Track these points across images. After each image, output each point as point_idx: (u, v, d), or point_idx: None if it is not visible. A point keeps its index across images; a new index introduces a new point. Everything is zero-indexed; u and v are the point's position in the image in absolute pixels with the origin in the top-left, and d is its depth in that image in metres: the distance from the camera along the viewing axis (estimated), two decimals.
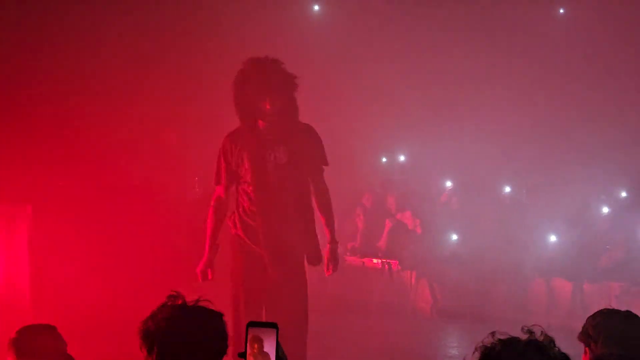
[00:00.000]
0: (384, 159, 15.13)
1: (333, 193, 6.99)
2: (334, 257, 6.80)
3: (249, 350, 2.84)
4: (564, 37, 13.89)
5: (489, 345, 2.66)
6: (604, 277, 11.27)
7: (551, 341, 2.66)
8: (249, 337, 2.84)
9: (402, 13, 13.88)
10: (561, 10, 14.67)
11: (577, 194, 12.29)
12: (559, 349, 2.66)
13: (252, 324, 2.86)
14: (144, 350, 3.12)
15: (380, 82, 13.55)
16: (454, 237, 12.31)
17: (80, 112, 10.87)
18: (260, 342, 2.84)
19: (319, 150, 6.84)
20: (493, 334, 2.69)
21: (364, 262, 12.86)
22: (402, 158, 15.00)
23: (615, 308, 3.91)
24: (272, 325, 2.86)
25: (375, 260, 12.79)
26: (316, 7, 14.57)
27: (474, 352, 2.70)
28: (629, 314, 3.82)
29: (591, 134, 13.09)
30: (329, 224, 6.86)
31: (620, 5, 13.32)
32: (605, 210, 12.46)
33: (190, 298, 3.26)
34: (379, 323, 11.38)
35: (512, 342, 2.64)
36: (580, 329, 3.88)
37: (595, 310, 3.93)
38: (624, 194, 12.95)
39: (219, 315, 3.28)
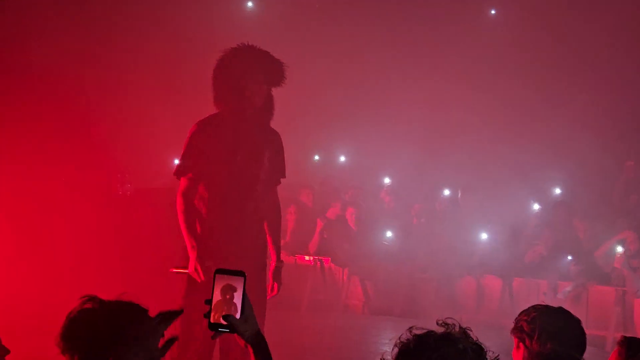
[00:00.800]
0: (317, 157, 15.16)
1: None
2: (279, 278, 6.27)
3: (219, 298, 2.80)
4: (496, 38, 14.07)
5: (405, 341, 2.68)
6: (531, 273, 11.46)
7: (464, 333, 2.67)
8: (221, 285, 2.80)
9: (335, 11, 13.93)
10: (492, 12, 14.86)
11: (510, 192, 12.48)
12: (473, 340, 2.67)
13: (220, 271, 2.82)
14: (66, 355, 3.00)
15: (314, 81, 13.57)
16: (388, 234, 12.37)
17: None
18: (232, 290, 2.81)
19: (282, 160, 6.29)
20: (410, 329, 2.70)
21: (295, 259, 12.84)
22: (341, 158, 15.06)
23: (545, 304, 3.97)
24: (240, 274, 2.82)
25: (307, 258, 12.79)
26: (250, 4, 14.54)
27: (393, 349, 2.71)
28: (561, 310, 3.89)
29: (524, 133, 13.29)
30: (276, 241, 6.25)
31: (549, 5, 13.56)
32: (536, 207, 12.69)
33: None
34: (311, 320, 11.39)
35: (425, 336, 2.65)
36: (509, 325, 3.94)
37: (524, 306, 3.98)
38: (557, 191, 13.20)
39: (143, 311, 3.12)
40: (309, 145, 14.57)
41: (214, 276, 2.82)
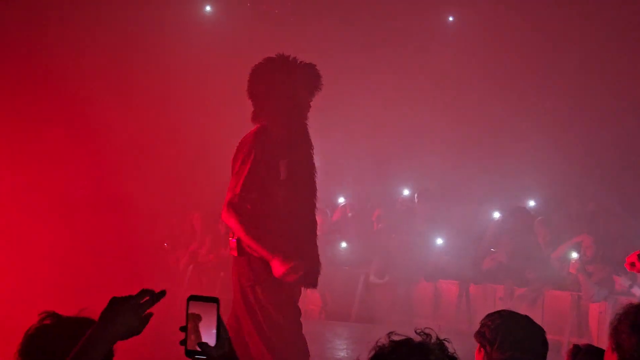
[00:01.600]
0: None
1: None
2: None
3: (195, 324, 2.76)
4: (455, 45, 14.16)
5: (381, 345, 2.66)
6: (488, 279, 11.53)
7: (441, 345, 2.67)
8: (195, 311, 2.76)
9: (296, 15, 13.95)
10: (450, 18, 14.95)
11: (469, 199, 12.55)
12: (449, 353, 2.68)
13: (193, 298, 2.78)
14: None
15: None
16: (343, 244, 12.38)
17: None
18: (208, 316, 2.77)
19: None
20: (389, 334, 2.68)
21: None
22: None
23: (511, 310, 3.99)
24: (214, 300, 2.78)
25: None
26: (208, 8, 14.50)
27: (370, 352, 2.69)
28: (526, 319, 3.90)
29: (485, 140, 13.37)
30: None
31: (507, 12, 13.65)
32: (496, 215, 12.75)
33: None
34: None
35: (401, 344, 2.64)
36: (466, 330, 3.94)
37: (480, 312, 3.99)
38: (532, 203, 13.27)
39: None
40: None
41: (187, 303, 2.78)
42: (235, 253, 5.98)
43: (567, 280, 11.01)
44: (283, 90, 6.06)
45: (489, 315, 3.89)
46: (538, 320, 4.02)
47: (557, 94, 13.66)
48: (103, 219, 10.89)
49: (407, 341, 2.65)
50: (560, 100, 13.58)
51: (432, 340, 2.67)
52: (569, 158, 12.91)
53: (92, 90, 11.42)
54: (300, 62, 6.21)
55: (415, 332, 2.69)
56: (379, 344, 2.67)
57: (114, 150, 11.54)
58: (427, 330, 2.69)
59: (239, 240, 5.91)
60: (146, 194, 11.92)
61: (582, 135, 13.24)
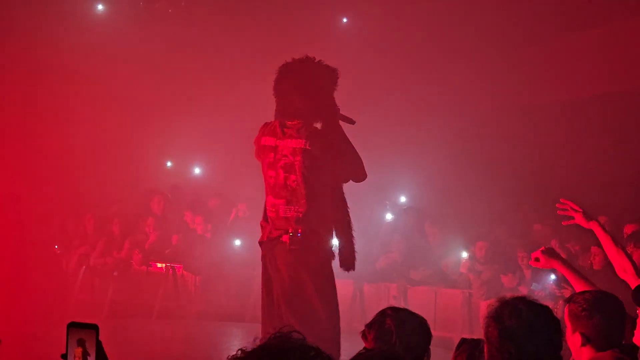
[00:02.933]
0: (169, 164, 14.99)
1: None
2: None
3: (74, 352, 2.72)
4: (349, 46, 14.23)
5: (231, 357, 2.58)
6: (382, 278, 11.68)
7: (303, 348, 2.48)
8: (75, 338, 2.72)
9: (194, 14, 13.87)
10: (344, 20, 15.04)
11: (362, 199, 12.66)
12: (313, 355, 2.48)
13: (72, 325, 2.73)
14: None
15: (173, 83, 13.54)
16: (237, 242, 12.37)
17: None
18: (87, 344, 2.73)
19: None
20: (255, 340, 2.58)
21: (148, 267, 12.69)
22: (196, 169, 14.92)
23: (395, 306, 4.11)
24: (93, 327, 2.74)
25: (159, 265, 12.65)
26: (100, 7, 14.27)
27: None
28: (408, 312, 4.05)
29: (375, 139, 13.47)
30: None
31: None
32: (389, 216, 12.90)
33: None
34: (161, 327, 11.28)
35: (253, 353, 2.56)
36: (360, 329, 4.03)
37: (375, 310, 4.09)
38: (402, 199, 13.47)
39: None
40: (162, 150, 14.44)
41: (67, 330, 2.75)
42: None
43: (458, 280, 11.26)
44: (331, 91, 6.94)
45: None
46: (430, 318, 4.13)
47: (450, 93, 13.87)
48: None
49: (261, 348, 2.54)
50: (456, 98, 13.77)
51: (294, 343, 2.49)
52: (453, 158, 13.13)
53: None
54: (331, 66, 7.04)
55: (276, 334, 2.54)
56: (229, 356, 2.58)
57: (4, 150, 11.30)
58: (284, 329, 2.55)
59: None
60: (39, 195, 11.72)
61: (469, 135, 13.51)
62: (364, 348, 3.83)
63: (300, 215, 6.74)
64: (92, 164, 12.89)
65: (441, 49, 13.50)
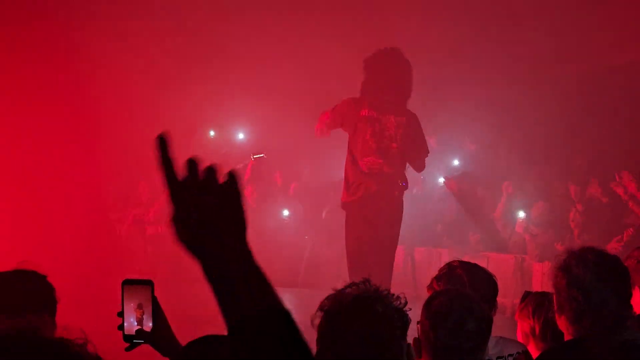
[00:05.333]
0: (212, 133, 14.86)
1: None
2: None
3: (130, 308, 2.76)
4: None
5: (329, 303, 2.70)
6: (432, 243, 11.64)
7: (385, 295, 2.71)
8: (129, 295, 2.75)
9: None
10: None
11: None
12: (394, 304, 2.71)
13: (126, 282, 2.76)
14: None
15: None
16: (285, 212, 12.39)
17: None
18: (143, 300, 2.76)
19: None
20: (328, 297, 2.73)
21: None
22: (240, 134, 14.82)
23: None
24: (148, 282, 2.77)
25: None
26: None
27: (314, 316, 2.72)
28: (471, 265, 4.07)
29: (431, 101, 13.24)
30: None
31: None
32: (441, 180, 12.75)
33: None
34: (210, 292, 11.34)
35: (352, 299, 2.67)
36: (411, 294, 4.01)
37: (427, 276, 4.10)
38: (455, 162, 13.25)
39: (40, 277, 3.28)
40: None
41: (122, 287, 2.75)
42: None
43: (509, 241, 11.16)
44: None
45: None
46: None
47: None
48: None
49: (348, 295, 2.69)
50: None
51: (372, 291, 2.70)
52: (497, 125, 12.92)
53: None
54: None
55: (349, 286, 2.72)
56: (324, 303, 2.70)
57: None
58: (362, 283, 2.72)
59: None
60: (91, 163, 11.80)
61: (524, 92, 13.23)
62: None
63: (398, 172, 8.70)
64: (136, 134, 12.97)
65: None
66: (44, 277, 3.29)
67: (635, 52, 12.78)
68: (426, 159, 8.94)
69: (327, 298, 2.71)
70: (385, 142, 8.53)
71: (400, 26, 12.28)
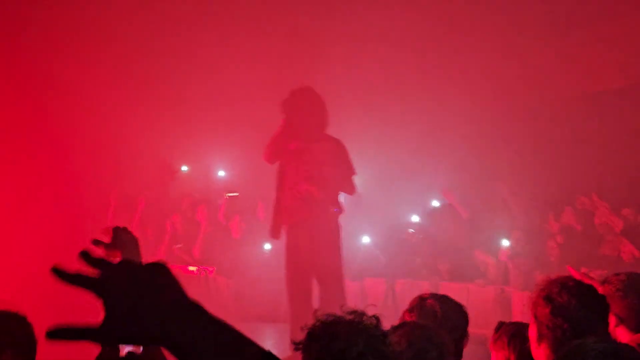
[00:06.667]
0: (184, 168, 14.88)
1: None
2: None
3: None
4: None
5: (312, 325, 2.69)
6: (413, 275, 11.66)
7: (375, 320, 2.72)
8: None
9: None
10: None
11: (391, 196, 12.62)
12: (379, 328, 2.73)
13: None
14: None
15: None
16: (267, 246, 12.37)
17: None
18: None
19: None
20: (315, 311, 2.75)
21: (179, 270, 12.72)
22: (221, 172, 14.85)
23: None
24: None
25: (191, 268, 12.68)
26: None
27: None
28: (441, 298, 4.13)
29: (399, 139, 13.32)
30: None
31: None
32: (415, 218, 12.82)
33: None
34: None
35: (331, 323, 2.67)
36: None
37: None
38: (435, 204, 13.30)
39: (20, 318, 3.26)
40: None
41: None
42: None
43: (486, 271, 11.18)
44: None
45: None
46: None
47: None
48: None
49: (338, 319, 2.67)
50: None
51: (364, 318, 2.69)
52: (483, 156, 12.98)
53: None
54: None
55: (343, 311, 2.70)
56: (308, 325, 2.68)
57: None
58: (356, 310, 2.72)
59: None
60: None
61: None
62: None
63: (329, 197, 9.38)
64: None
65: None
66: (24, 318, 3.30)
67: (606, 82, 12.95)
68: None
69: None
70: (316, 168, 9.27)
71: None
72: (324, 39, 13.18)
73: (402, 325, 3.48)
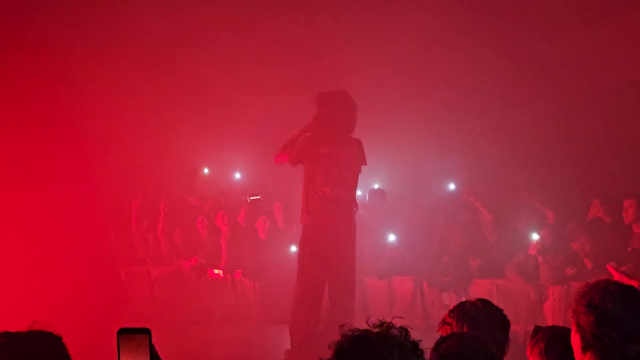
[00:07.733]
0: (206, 170, 14.89)
1: None
2: None
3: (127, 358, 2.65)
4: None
5: (339, 342, 2.65)
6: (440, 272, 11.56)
7: (404, 332, 2.68)
8: (126, 345, 2.64)
9: None
10: None
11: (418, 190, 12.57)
12: (412, 340, 2.69)
13: (122, 331, 2.66)
14: None
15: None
16: (292, 248, 12.32)
17: None
18: (135, 350, 2.66)
19: None
20: (341, 326, 2.69)
21: (207, 273, 12.72)
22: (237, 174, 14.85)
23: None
24: (144, 331, 2.67)
25: (216, 271, 12.66)
26: None
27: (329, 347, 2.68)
28: (482, 301, 4.10)
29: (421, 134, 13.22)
30: None
31: None
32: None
33: None
34: (222, 333, 11.30)
35: (360, 337, 2.63)
36: (420, 325, 4.02)
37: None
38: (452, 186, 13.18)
39: (55, 338, 3.23)
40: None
41: (118, 337, 2.67)
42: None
43: (517, 264, 11.04)
44: None
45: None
46: None
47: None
48: None
49: (366, 333, 2.64)
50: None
51: (392, 330, 2.67)
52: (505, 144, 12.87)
53: None
54: None
55: (368, 324, 2.70)
56: (336, 341, 2.66)
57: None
58: (383, 321, 2.70)
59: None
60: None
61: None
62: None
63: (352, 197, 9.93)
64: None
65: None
66: (59, 339, 3.30)
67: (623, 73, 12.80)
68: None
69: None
70: (343, 172, 9.64)
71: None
72: (342, 39, 13.18)
73: (451, 335, 3.43)
